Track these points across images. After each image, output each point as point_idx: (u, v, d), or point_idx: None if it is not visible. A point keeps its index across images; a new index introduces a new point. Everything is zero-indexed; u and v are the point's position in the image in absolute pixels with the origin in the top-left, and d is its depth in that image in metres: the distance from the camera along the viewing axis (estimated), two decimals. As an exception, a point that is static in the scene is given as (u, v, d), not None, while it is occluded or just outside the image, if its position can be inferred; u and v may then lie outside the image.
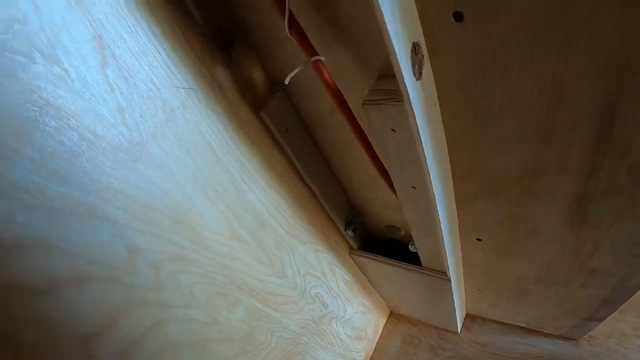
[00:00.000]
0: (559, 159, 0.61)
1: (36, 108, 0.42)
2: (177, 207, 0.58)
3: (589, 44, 0.46)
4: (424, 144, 0.55)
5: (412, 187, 0.67)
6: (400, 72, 0.46)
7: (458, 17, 0.49)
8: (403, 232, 0.95)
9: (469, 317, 1.28)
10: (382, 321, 1.37)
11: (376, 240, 1.07)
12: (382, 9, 0.40)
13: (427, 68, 0.54)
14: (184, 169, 0.58)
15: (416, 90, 0.50)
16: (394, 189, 0.72)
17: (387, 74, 0.58)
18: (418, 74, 0.51)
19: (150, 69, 0.52)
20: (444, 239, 0.72)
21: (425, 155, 0.57)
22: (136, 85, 0.51)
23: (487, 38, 0.50)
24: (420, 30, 0.51)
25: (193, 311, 0.64)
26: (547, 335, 1.17)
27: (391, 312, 1.40)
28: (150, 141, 0.53)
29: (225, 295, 0.69)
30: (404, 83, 0.47)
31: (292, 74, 0.57)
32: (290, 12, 0.50)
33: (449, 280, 0.87)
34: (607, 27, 0.44)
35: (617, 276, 0.77)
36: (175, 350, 0.62)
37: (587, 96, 0.51)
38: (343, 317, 1.11)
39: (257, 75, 0.67)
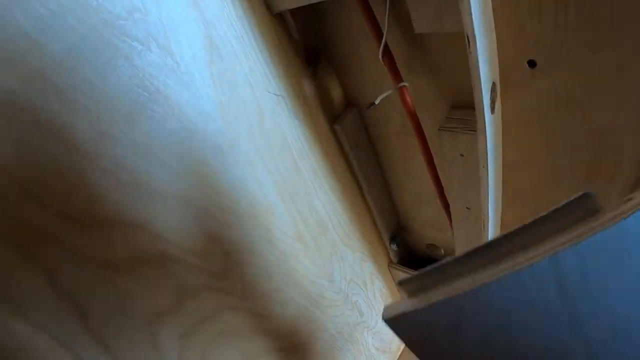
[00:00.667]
0: (601, 196, 0.59)
1: (146, 94, 0.42)
2: (254, 202, 0.56)
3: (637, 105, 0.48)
4: (488, 170, 0.54)
5: (467, 208, 0.66)
6: (482, 106, 0.46)
7: (532, 64, 0.51)
8: (443, 251, 0.92)
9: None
10: (405, 336, 1.33)
11: (415, 257, 1.03)
12: (479, 56, 0.42)
13: (498, 104, 0.54)
14: (266, 168, 0.57)
15: (490, 123, 0.49)
16: (448, 209, 0.70)
17: (462, 105, 0.59)
18: (492, 108, 0.51)
19: (250, 73, 0.51)
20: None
21: (487, 180, 0.55)
22: (236, 86, 0.50)
23: (552, 87, 0.52)
24: (498, 72, 0.53)
25: (251, 303, 0.62)
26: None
27: (415, 329, 1.36)
28: (242, 139, 0.52)
29: (282, 291, 0.67)
30: (483, 116, 0.46)
31: (383, 95, 0.57)
32: (386, 42, 0.50)
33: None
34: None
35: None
36: (228, 339, 0.60)
37: (631, 144, 0.52)
38: (374, 328, 1.07)
39: (336, 91, 0.67)
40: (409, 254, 1.02)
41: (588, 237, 0.22)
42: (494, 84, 0.51)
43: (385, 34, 0.49)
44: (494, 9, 0.48)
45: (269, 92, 0.54)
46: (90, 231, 0.40)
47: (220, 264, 0.55)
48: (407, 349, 1.27)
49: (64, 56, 0.36)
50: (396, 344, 1.25)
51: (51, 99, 0.35)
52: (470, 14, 0.38)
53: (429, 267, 0.26)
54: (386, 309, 0.30)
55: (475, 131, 0.51)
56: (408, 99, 0.56)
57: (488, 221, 0.60)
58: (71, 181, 0.38)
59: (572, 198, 0.24)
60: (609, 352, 0.26)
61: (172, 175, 0.46)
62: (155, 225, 0.46)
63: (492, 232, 0.66)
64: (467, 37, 0.42)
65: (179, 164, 0.46)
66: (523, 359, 0.28)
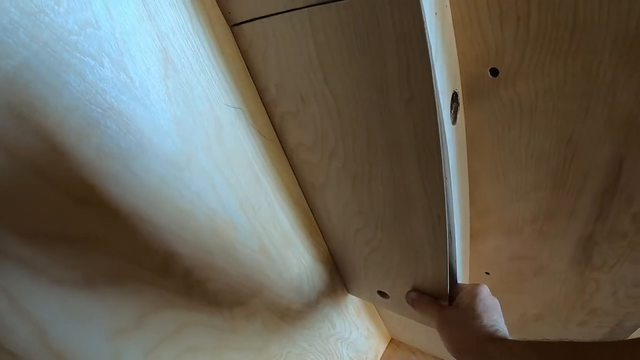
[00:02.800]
0: (570, 204, 0.63)
1: (100, 110, 0.41)
2: (215, 218, 0.56)
3: (604, 111, 0.50)
4: (450, 181, 0.54)
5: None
6: (442, 116, 0.46)
7: (494, 72, 0.53)
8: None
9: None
10: (382, 347, 1.34)
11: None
12: (435, 64, 0.42)
13: (461, 114, 0.54)
14: (226, 183, 0.56)
15: (451, 133, 0.50)
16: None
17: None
18: (454, 119, 0.52)
19: (207, 86, 0.51)
20: (458, 273, 0.70)
21: (451, 191, 0.56)
22: (193, 99, 0.50)
23: (516, 95, 0.53)
24: (459, 81, 0.53)
25: (215, 318, 0.62)
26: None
27: (392, 338, 1.37)
28: (200, 154, 0.52)
29: (247, 306, 0.67)
30: (443, 126, 0.47)
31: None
32: None
33: (457, 312, 0.85)
34: (624, 93, 0.47)
35: (617, 317, 0.75)
36: (195, 355, 0.60)
37: (599, 151, 0.54)
38: (348, 338, 1.08)
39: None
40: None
41: None
42: (455, 93, 0.52)
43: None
44: (453, 19, 0.49)
45: (227, 105, 0.54)
46: (46, 247, 0.40)
47: (181, 280, 0.55)
48: (384, 357, 1.28)
49: (16, 73, 0.35)
50: (372, 354, 1.26)
51: (3, 116, 0.35)
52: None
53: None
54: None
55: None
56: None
57: (454, 232, 0.61)
58: (22, 198, 0.38)
59: None
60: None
61: (127, 191, 0.45)
62: (111, 241, 0.46)
63: (460, 243, 0.67)
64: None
65: (135, 180, 0.46)
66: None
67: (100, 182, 0.43)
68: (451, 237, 0.58)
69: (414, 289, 0.74)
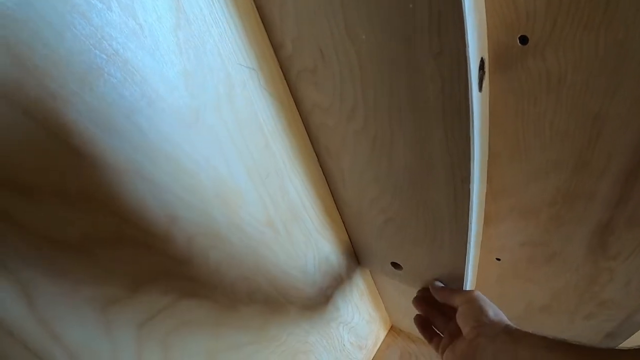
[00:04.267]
0: (591, 187, 0.60)
1: (104, 56, 0.38)
2: (221, 182, 0.53)
3: (634, 89, 0.48)
4: (474, 155, 0.52)
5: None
6: (470, 82, 0.43)
7: (523, 40, 0.50)
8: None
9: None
10: (382, 334, 1.32)
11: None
12: (467, 25, 0.39)
13: (486, 82, 0.52)
14: (234, 146, 0.54)
15: (477, 101, 0.47)
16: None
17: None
18: (479, 86, 0.49)
19: (219, 41, 0.48)
20: (470, 256, 0.68)
21: (472, 167, 0.54)
22: (204, 54, 0.47)
23: (544, 67, 0.51)
24: (486, 47, 0.51)
25: (216, 291, 0.59)
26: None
27: (392, 326, 1.35)
28: (208, 112, 0.49)
29: (249, 281, 0.64)
30: (470, 96, 0.44)
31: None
32: None
33: (462, 300, 0.83)
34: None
35: (627, 309, 0.74)
36: (192, 330, 0.57)
37: (625, 131, 0.52)
38: (349, 323, 1.06)
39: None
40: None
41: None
42: (482, 60, 0.49)
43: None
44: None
45: (240, 64, 0.51)
46: (36, 204, 0.37)
47: (183, 247, 0.52)
48: (384, 344, 1.27)
49: (16, 10, 0.33)
50: (372, 340, 1.24)
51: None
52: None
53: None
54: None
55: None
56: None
57: (472, 212, 0.59)
58: (16, 147, 0.35)
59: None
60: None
61: (129, 147, 0.43)
62: (109, 201, 0.43)
63: (474, 226, 0.65)
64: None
65: (138, 134, 0.43)
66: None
67: (99, 133, 0.40)
68: (472, 205, 0.55)
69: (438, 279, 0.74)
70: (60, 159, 0.38)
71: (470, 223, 0.57)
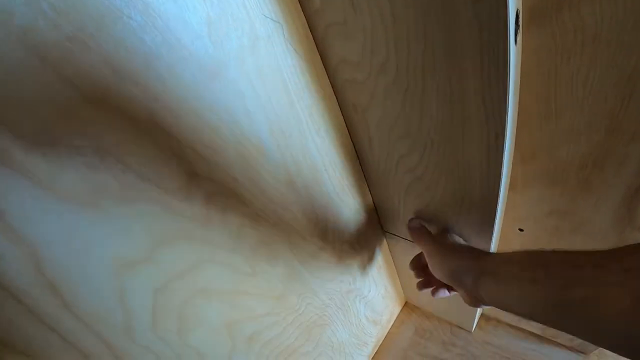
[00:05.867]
0: (623, 150, 0.58)
1: (123, -2, 0.37)
2: (243, 139, 0.51)
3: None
4: (508, 111, 0.50)
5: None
6: (508, 33, 0.41)
7: None
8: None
9: (484, 317, 1.22)
10: (397, 310, 1.31)
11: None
12: None
13: (520, 37, 0.50)
14: (258, 101, 0.52)
15: (513, 54, 0.45)
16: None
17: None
18: (515, 40, 0.47)
19: (244, -12, 0.46)
20: (496, 220, 0.66)
21: (507, 125, 0.52)
22: (228, 2, 0.45)
23: (580, 21, 0.49)
24: (521, 1, 0.49)
25: (235, 257, 0.57)
26: (559, 345, 1.11)
27: (406, 302, 1.34)
28: (232, 63, 0.47)
29: (270, 246, 0.63)
30: (508, 43, 0.42)
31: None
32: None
33: (484, 271, 0.81)
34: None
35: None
36: (210, 298, 0.56)
37: None
38: (366, 296, 1.05)
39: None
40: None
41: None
42: (517, 12, 0.47)
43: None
44: None
45: (265, 15, 0.49)
46: (47, 155, 0.35)
47: (201, 207, 0.50)
48: (398, 320, 1.26)
49: None
50: (387, 316, 1.24)
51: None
52: None
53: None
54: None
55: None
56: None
57: (504, 170, 0.57)
58: (27, 93, 0.33)
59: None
60: None
61: (148, 96, 0.40)
62: (124, 152, 0.41)
63: (502, 192, 0.63)
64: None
65: (157, 83, 0.41)
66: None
67: (117, 79, 0.38)
68: (504, 162, 0.54)
69: (417, 217, 0.77)
70: (73, 107, 0.36)
71: (501, 183, 0.56)
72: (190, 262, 0.51)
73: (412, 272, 0.80)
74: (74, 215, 0.38)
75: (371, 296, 1.07)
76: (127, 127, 0.40)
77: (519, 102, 0.59)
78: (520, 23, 0.50)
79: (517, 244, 0.85)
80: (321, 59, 0.60)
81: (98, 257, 0.41)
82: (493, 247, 0.72)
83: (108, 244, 0.42)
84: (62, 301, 0.40)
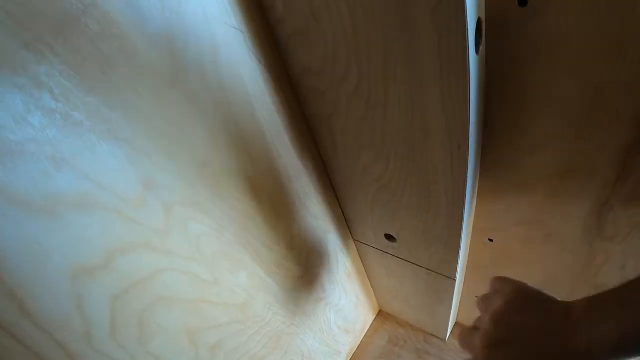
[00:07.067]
0: (591, 160, 0.59)
1: (81, 6, 0.37)
2: (204, 150, 0.52)
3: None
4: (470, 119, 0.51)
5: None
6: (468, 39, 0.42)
7: (522, 2, 0.49)
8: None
9: (458, 326, 1.24)
10: (370, 318, 1.32)
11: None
12: None
13: (483, 46, 0.51)
14: (218, 110, 0.52)
15: (474, 64, 0.46)
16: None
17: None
18: (476, 49, 0.48)
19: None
20: (464, 227, 0.67)
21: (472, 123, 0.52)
22: (187, 12, 0.45)
23: (544, 30, 0.50)
24: (484, 8, 0.50)
25: (196, 265, 0.58)
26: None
27: (380, 311, 1.35)
28: (190, 70, 0.47)
29: (231, 255, 0.63)
30: (468, 52, 0.42)
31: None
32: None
33: (455, 280, 0.82)
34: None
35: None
36: (169, 305, 0.55)
37: (627, 101, 0.51)
38: (337, 305, 1.05)
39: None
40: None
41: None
42: (479, 20, 0.48)
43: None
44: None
45: (226, 23, 0.49)
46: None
47: (160, 215, 0.50)
48: (372, 329, 1.27)
49: None
50: (360, 325, 1.24)
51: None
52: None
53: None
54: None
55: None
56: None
57: (468, 179, 0.58)
58: None
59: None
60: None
61: (106, 106, 0.41)
62: (80, 161, 0.41)
63: (468, 205, 0.64)
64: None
65: (114, 92, 0.41)
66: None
67: (72, 88, 0.38)
68: (468, 172, 0.55)
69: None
70: (27, 113, 0.36)
71: (466, 193, 0.57)
72: (147, 270, 0.51)
73: (385, 280, 0.80)
74: (30, 220, 0.38)
75: (342, 305, 1.08)
76: (82, 136, 0.40)
77: (486, 111, 0.61)
78: (484, 32, 0.51)
79: (487, 254, 0.86)
80: (285, 67, 0.60)
81: (54, 261, 0.41)
82: (462, 257, 0.73)
83: (66, 249, 0.42)
84: (20, 307, 0.39)
